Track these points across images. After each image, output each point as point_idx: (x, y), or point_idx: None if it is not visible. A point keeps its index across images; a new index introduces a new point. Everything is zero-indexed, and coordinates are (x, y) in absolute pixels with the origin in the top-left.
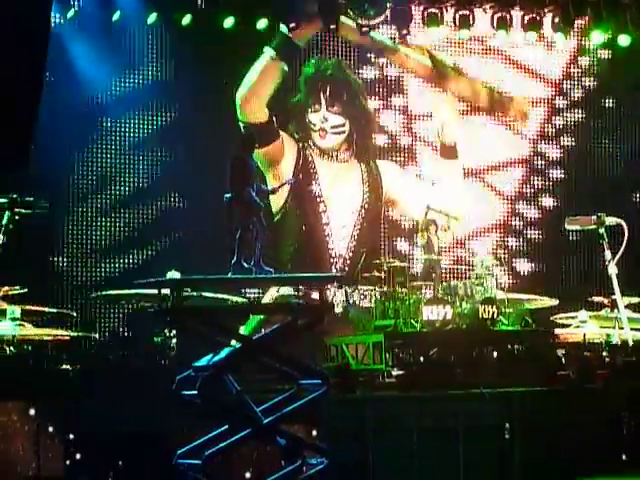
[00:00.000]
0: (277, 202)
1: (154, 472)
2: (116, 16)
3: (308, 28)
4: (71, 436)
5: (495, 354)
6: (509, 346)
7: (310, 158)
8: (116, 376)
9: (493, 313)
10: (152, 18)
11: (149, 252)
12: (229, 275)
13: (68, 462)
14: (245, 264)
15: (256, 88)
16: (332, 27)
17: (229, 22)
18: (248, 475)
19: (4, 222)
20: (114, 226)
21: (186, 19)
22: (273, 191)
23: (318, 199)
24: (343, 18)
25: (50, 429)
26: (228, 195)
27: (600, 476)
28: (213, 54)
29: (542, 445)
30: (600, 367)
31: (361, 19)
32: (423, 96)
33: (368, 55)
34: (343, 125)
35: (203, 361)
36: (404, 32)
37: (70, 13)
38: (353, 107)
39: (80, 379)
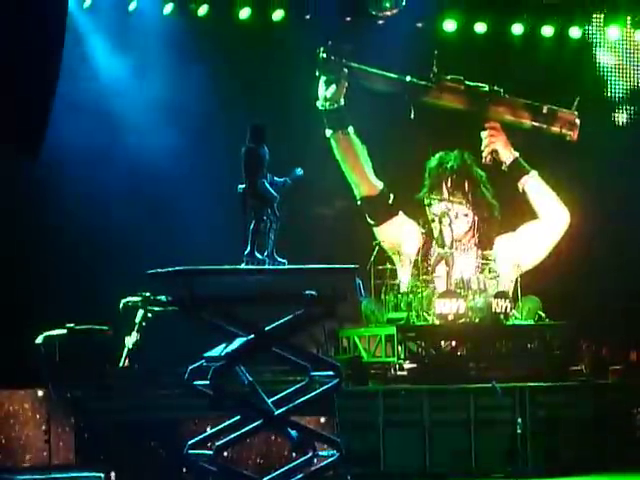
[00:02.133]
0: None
1: (165, 461)
2: (132, 7)
3: (340, 87)
4: (81, 424)
5: (508, 348)
6: (522, 340)
7: (433, 248)
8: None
9: (506, 307)
10: (168, 9)
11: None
12: (242, 266)
13: (78, 450)
14: (258, 255)
15: (349, 166)
16: (348, 19)
17: (245, 13)
18: (257, 466)
19: (138, 320)
20: None
21: (202, 10)
22: (285, 184)
23: (431, 285)
24: (368, 68)
25: (61, 417)
26: (242, 186)
27: (611, 472)
28: (228, 46)
29: (554, 439)
30: (613, 363)
31: (378, 11)
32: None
33: None
34: (466, 215)
35: (215, 351)
36: (419, 25)
37: (87, 3)
38: (475, 197)
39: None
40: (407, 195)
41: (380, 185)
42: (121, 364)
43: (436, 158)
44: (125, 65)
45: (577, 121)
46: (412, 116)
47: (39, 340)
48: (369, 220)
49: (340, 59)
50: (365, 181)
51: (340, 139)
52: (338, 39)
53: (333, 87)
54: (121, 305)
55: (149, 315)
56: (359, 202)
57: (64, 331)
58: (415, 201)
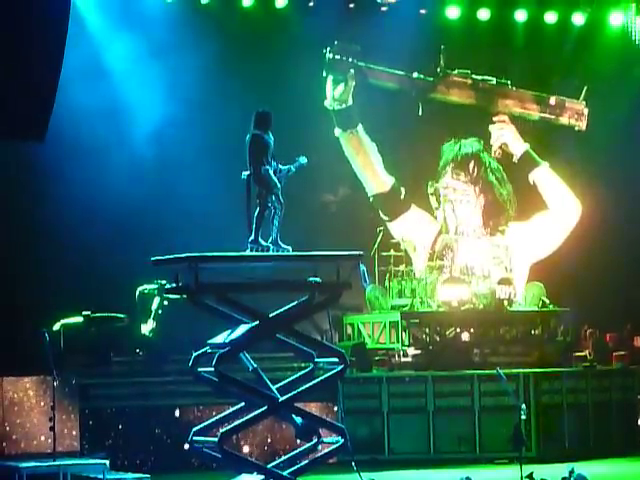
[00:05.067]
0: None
1: (169, 447)
2: None
3: (348, 87)
4: (86, 411)
5: (512, 334)
6: (526, 326)
7: (448, 235)
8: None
9: (510, 293)
10: None
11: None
12: (247, 252)
13: (83, 437)
14: (262, 242)
15: (359, 164)
16: (351, 6)
17: (248, 1)
18: (263, 453)
19: (154, 308)
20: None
21: None
22: (289, 171)
23: (445, 271)
24: (375, 67)
25: (66, 404)
26: (246, 173)
27: (614, 458)
28: (231, 33)
29: (558, 425)
30: (617, 349)
31: None
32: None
33: None
34: (476, 202)
35: (219, 338)
36: (422, 11)
37: None
38: (486, 184)
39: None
40: (421, 188)
41: (391, 181)
42: (137, 351)
43: (451, 145)
44: (128, 51)
45: (585, 111)
46: (420, 112)
47: (57, 327)
48: (382, 216)
49: (347, 58)
50: (376, 178)
51: (350, 138)
52: (343, 33)
53: (341, 87)
54: (137, 293)
55: (165, 303)
56: (371, 199)
57: (81, 319)
58: (433, 193)
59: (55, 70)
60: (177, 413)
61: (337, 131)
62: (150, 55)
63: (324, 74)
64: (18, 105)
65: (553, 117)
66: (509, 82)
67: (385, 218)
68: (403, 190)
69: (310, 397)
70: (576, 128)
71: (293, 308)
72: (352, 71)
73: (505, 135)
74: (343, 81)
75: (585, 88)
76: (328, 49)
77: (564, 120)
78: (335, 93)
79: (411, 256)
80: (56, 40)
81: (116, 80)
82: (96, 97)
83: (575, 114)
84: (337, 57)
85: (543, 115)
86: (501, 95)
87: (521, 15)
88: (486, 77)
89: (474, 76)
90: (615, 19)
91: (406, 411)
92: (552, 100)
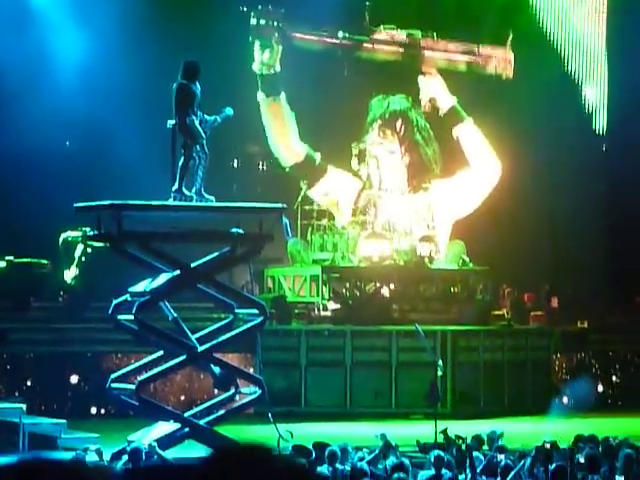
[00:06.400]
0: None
1: (87, 394)
2: None
3: (274, 51)
4: (4, 355)
5: (431, 291)
6: (445, 284)
7: (372, 192)
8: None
9: (431, 251)
10: None
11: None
12: (170, 202)
13: (0, 380)
14: (186, 191)
15: (275, 133)
16: None
17: None
18: (180, 402)
19: (78, 255)
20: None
21: None
22: (215, 122)
23: (367, 227)
24: (299, 29)
25: None
26: (172, 122)
27: (528, 416)
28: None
29: (474, 382)
30: (534, 308)
31: None
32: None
33: None
34: (400, 158)
35: (140, 286)
36: None
37: None
38: (412, 141)
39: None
40: (343, 149)
41: (304, 150)
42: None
43: (380, 100)
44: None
45: (511, 58)
46: (346, 73)
47: None
48: (302, 185)
49: (272, 22)
50: (289, 149)
51: (271, 104)
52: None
53: (268, 52)
54: (61, 240)
55: (88, 250)
56: (288, 170)
57: (3, 263)
58: (360, 150)
59: None
60: (96, 360)
61: (260, 95)
62: (75, 3)
63: (250, 39)
64: None
65: (480, 65)
66: (434, 34)
67: (304, 186)
68: (318, 155)
69: (229, 348)
70: (503, 77)
71: (215, 259)
72: (277, 35)
73: (433, 88)
74: (269, 46)
75: (510, 35)
76: (252, 14)
77: (491, 69)
78: (263, 58)
79: (333, 211)
80: None
81: (42, 28)
82: (22, 44)
83: (502, 61)
84: (261, 22)
85: (470, 64)
86: (427, 48)
87: None
88: (411, 31)
89: (399, 30)
90: None
91: (324, 364)
92: (478, 49)
